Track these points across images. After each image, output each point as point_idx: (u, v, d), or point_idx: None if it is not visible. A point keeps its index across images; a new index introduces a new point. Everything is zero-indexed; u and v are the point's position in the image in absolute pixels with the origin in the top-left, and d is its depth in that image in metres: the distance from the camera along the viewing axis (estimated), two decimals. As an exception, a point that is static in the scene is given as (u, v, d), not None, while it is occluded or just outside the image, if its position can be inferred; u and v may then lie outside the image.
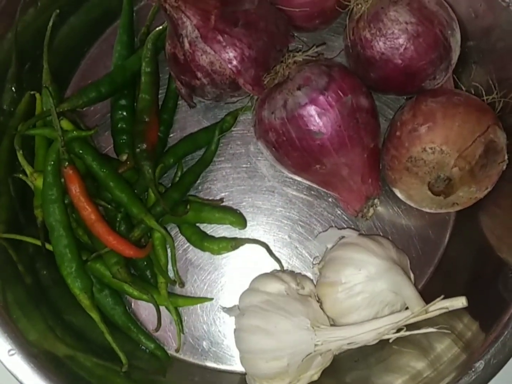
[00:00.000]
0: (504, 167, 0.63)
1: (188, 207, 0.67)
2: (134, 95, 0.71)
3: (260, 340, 0.62)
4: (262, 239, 0.71)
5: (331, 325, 0.64)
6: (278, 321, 0.62)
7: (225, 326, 0.70)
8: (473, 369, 0.58)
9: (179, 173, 0.70)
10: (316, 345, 0.61)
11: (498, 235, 0.68)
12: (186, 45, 0.63)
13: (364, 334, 0.60)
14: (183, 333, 0.69)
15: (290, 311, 0.62)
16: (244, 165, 0.73)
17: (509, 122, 0.65)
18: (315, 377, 0.64)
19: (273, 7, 0.65)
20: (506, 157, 0.63)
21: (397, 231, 0.71)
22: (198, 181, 0.71)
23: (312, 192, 0.72)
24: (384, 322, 0.60)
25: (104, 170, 0.65)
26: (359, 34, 0.64)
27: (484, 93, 0.65)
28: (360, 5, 0.64)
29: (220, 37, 0.62)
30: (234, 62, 0.63)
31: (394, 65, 0.63)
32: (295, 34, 0.69)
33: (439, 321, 0.61)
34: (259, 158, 0.73)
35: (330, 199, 0.72)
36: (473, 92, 0.66)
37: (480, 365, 0.58)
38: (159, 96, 0.71)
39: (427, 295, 0.61)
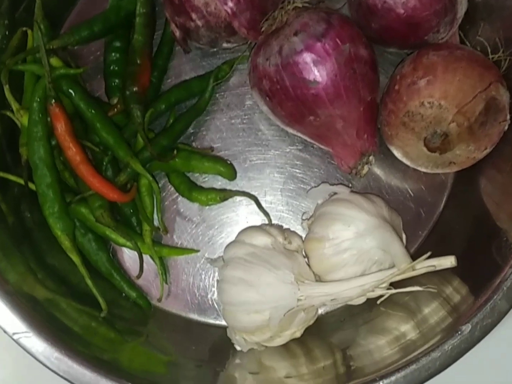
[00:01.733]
0: (506, 127, 0.61)
1: (175, 152, 0.65)
2: (129, 38, 0.69)
3: (242, 291, 0.60)
4: (252, 193, 0.69)
5: (317, 281, 0.62)
6: (262, 273, 0.60)
7: (210, 280, 0.69)
8: (459, 332, 0.56)
9: (170, 120, 0.68)
10: (299, 299, 0.59)
11: (496, 200, 0.65)
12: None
13: (348, 290, 0.58)
14: (166, 283, 0.67)
15: (274, 264, 0.60)
16: (238, 116, 0.70)
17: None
18: (297, 334, 0.63)
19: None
20: (508, 116, 0.60)
21: (392, 192, 0.69)
22: (190, 130, 0.69)
23: (307, 148, 0.70)
24: (369, 279, 0.58)
25: (92, 111, 0.63)
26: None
27: (490, 50, 0.62)
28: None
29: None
30: (230, 3, 0.60)
31: (396, 15, 0.60)
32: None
33: (428, 283, 0.60)
34: (254, 110, 0.70)
35: (325, 155, 0.69)
36: (479, 49, 0.64)
37: (466, 328, 0.56)
38: (155, 41, 0.69)
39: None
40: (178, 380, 0.62)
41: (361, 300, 0.61)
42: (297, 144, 0.70)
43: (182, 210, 0.70)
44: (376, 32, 0.63)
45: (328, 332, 0.67)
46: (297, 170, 0.70)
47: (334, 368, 0.62)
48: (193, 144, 0.70)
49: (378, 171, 0.69)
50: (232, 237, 0.67)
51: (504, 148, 0.63)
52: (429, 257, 0.57)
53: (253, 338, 0.62)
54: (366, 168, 0.65)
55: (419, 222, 0.69)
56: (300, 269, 0.61)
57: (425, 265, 0.56)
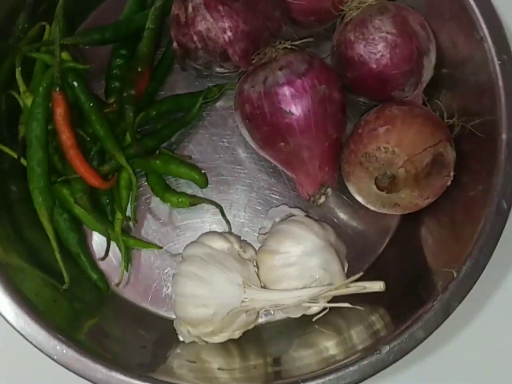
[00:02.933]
0: (449, 183, 0.69)
1: (157, 152, 0.72)
2: (135, 48, 0.76)
3: (194, 285, 0.67)
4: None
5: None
6: (214, 272, 0.67)
7: (167, 276, 0.75)
8: (377, 352, 0.62)
9: (158, 126, 0.76)
10: (243, 301, 0.66)
11: (432, 249, 0.73)
12: (190, 9, 0.70)
13: (287, 298, 0.65)
14: (126, 271, 0.73)
15: (227, 266, 0.67)
16: (219, 135, 0.78)
17: (463, 147, 0.71)
18: (236, 335, 0.69)
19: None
20: (451, 173, 0.69)
21: (342, 225, 0.77)
22: (174, 139, 0.77)
23: (275, 173, 0.77)
24: (306, 292, 0.65)
25: (90, 104, 0.70)
26: (344, 35, 0.70)
27: (445, 115, 0.71)
28: (351, 11, 0.71)
29: (220, 7, 0.68)
30: (228, 33, 0.69)
31: (369, 69, 0.69)
32: (289, 27, 0.75)
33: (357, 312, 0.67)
34: (235, 132, 0.78)
35: (289, 183, 0.77)
36: (437, 112, 0.72)
37: (384, 349, 0.63)
38: (158, 55, 0.78)
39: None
40: (120, 353, 0.67)
41: (298, 313, 0.68)
42: (266, 168, 0.78)
43: (153, 208, 0.76)
44: (350, 81, 0.71)
45: (264, 340, 0.73)
46: (263, 192, 0.77)
47: (263, 368, 0.68)
48: (175, 151, 0.77)
49: (333, 203, 0.77)
50: (193, 240, 0.73)
51: (445, 202, 0.71)
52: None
53: (196, 331, 0.67)
54: (323, 198, 0.72)
55: (361, 256, 0.76)
56: (249, 275, 0.68)
57: (357, 284, 0.63)
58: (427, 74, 0.71)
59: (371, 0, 0.70)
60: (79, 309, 0.71)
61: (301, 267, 0.67)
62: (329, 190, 0.72)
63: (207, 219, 0.76)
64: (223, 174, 0.78)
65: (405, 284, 0.72)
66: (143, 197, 0.77)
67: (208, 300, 0.66)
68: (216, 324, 0.67)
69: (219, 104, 0.79)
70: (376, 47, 0.68)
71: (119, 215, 0.72)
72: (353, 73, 0.71)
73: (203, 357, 0.69)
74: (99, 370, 0.61)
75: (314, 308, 0.68)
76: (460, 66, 0.73)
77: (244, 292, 0.66)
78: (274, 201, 0.77)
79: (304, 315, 0.70)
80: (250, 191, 0.77)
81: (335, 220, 0.77)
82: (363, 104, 0.78)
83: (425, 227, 0.75)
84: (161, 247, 0.75)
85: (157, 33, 0.75)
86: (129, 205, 0.73)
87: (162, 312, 0.75)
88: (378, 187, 0.67)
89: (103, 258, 0.71)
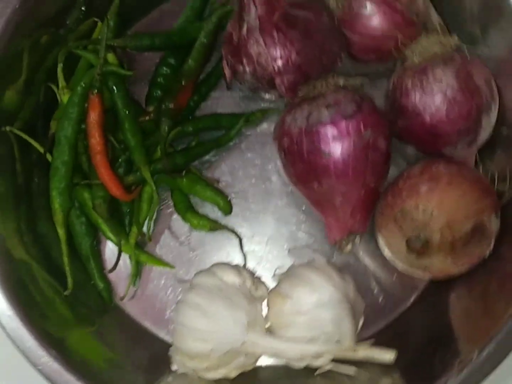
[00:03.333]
0: (487, 254, 0.64)
1: (184, 173, 0.69)
2: (183, 59, 0.73)
3: (196, 317, 0.63)
4: (241, 233, 0.72)
5: (267, 332, 0.65)
6: (220, 307, 0.63)
7: (173, 298, 0.72)
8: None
9: (192, 143, 0.73)
10: (244, 343, 0.62)
11: (459, 318, 0.68)
12: (244, 30, 0.67)
13: (290, 351, 0.61)
14: (133, 286, 0.71)
15: (234, 303, 0.64)
16: (254, 161, 0.74)
17: (509, 215, 0.66)
18: (231, 375, 0.65)
19: (335, 27, 0.68)
20: (491, 245, 0.63)
21: (366, 277, 0.72)
22: (206, 157, 0.74)
23: (306, 211, 0.73)
24: (312, 348, 0.61)
25: (126, 112, 0.68)
26: (402, 80, 0.66)
27: (497, 180, 0.66)
28: (414, 56, 0.66)
29: (275, 34, 0.65)
30: (279, 62, 0.65)
31: (421, 121, 0.64)
32: (346, 60, 0.71)
33: (369, 369, 0.62)
34: (270, 160, 0.74)
35: (319, 223, 0.72)
36: (488, 174, 0.67)
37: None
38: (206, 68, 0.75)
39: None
40: (113, 377, 0.65)
41: (300, 365, 0.64)
42: (299, 204, 0.73)
43: (172, 226, 0.73)
44: (400, 129, 0.67)
45: (260, 383, 0.69)
46: (290, 228, 0.73)
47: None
48: (204, 171, 0.74)
49: (360, 253, 0.72)
50: (207, 266, 0.70)
51: (479, 272, 0.66)
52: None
53: (191, 363, 0.64)
54: (349, 246, 0.68)
55: (381, 312, 0.71)
56: (255, 316, 0.64)
57: (365, 351, 0.59)
58: (484, 133, 0.66)
59: (437, 47, 0.65)
60: (78, 314, 0.69)
61: (312, 317, 0.63)
62: (357, 239, 0.68)
63: (226, 247, 0.73)
64: (251, 202, 0.74)
65: (424, 351, 0.67)
66: (165, 211, 0.74)
67: (207, 334, 0.62)
68: (212, 361, 0.63)
69: (259, 128, 0.75)
70: (432, 99, 0.63)
71: (135, 229, 0.69)
72: (404, 122, 0.66)
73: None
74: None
75: (319, 361, 0.64)
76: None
77: (247, 333, 0.62)
78: (300, 240, 0.73)
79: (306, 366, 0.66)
80: (277, 225, 0.73)
81: (359, 269, 0.72)
82: (410, 153, 0.73)
83: (455, 294, 0.70)
84: (173, 267, 0.72)
85: (208, 48, 0.72)
86: (146, 221, 0.70)
87: (162, 334, 0.72)
88: (408, 248, 0.62)
89: (111, 270, 0.68)
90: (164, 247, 0.73)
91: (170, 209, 0.73)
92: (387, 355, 0.59)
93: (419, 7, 0.67)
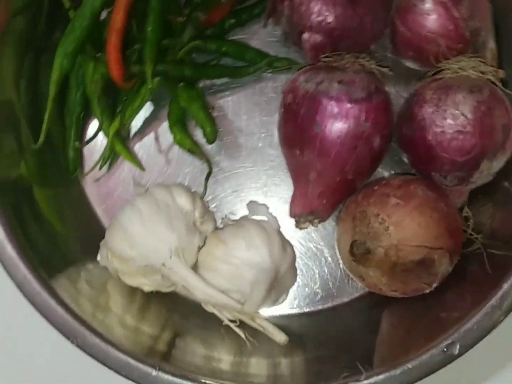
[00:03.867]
0: (425, 291, 0.62)
1: (182, 83, 0.69)
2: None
3: (133, 222, 0.64)
4: (216, 179, 0.72)
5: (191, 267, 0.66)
6: (158, 224, 0.64)
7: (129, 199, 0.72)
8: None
9: (209, 63, 0.72)
10: (163, 265, 0.63)
11: (382, 335, 0.67)
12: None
13: (200, 290, 0.62)
14: (99, 169, 0.71)
15: (173, 225, 0.64)
16: (262, 106, 0.72)
17: (467, 266, 0.64)
18: (146, 288, 0.67)
19: (387, 8, 0.65)
20: (433, 285, 0.62)
21: (313, 260, 0.71)
22: (216, 83, 0.73)
23: (285, 175, 0.71)
24: (219, 296, 0.62)
25: (158, 3, 0.67)
26: (423, 89, 0.62)
27: (471, 228, 0.63)
28: (448, 70, 0.62)
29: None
30: (314, 17, 0.63)
31: (423, 136, 0.61)
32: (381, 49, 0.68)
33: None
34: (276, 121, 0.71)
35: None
36: (465, 218, 0.64)
37: None
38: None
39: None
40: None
41: (206, 308, 0.65)
42: (283, 168, 0.71)
43: (159, 133, 0.73)
44: (402, 136, 0.64)
45: (176, 314, 0.70)
46: (266, 183, 0.72)
47: (153, 339, 0.66)
48: (208, 95, 0.72)
49: (315, 236, 0.71)
50: (170, 183, 0.70)
51: (416, 303, 0.65)
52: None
53: (113, 261, 0.66)
54: (306, 224, 0.67)
55: (312, 299, 0.71)
56: (187, 247, 0.64)
57: (261, 322, 0.59)
58: (480, 178, 0.63)
59: (474, 73, 0.62)
60: (42, 173, 0.70)
61: (235, 271, 0.63)
62: (316, 221, 0.67)
63: (196, 175, 0.72)
64: (242, 145, 0.73)
65: (334, 350, 0.67)
66: (159, 117, 0.73)
67: (135, 243, 0.63)
68: (130, 268, 0.65)
69: (279, 76, 0.73)
70: (442, 121, 0.60)
71: (119, 117, 0.69)
72: (408, 130, 0.63)
73: (107, 287, 0.67)
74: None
75: (222, 313, 0.64)
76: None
77: (170, 258, 0.63)
78: (267, 199, 0.72)
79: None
80: (253, 177, 0.72)
81: (307, 250, 0.71)
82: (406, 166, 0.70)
83: (388, 311, 0.69)
84: (143, 169, 0.72)
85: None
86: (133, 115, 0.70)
87: (106, 224, 0.73)
88: (350, 250, 0.61)
89: (84, 144, 0.70)
90: (142, 148, 0.73)
91: (163, 120, 0.73)
92: (279, 336, 0.59)
93: (476, 26, 0.63)
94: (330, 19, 0.62)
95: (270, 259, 0.64)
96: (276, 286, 0.65)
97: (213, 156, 0.73)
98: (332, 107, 0.61)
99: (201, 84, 0.73)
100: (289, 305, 0.71)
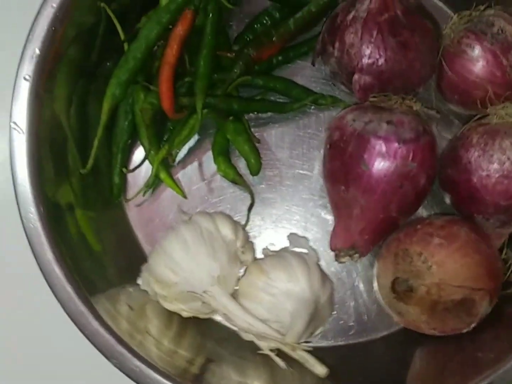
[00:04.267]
0: (463, 331, 0.63)
1: (231, 117, 0.70)
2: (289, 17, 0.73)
3: (177, 248, 0.66)
4: (256, 210, 0.73)
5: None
6: (201, 252, 0.65)
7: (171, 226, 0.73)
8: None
9: (256, 97, 0.74)
10: (205, 291, 0.64)
11: (413, 373, 0.68)
12: (350, 16, 0.66)
13: (241, 318, 0.63)
14: (143, 195, 0.73)
15: (216, 254, 0.66)
16: (305, 141, 0.74)
17: (505, 309, 0.64)
18: (184, 314, 0.68)
19: (435, 52, 0.67)
20: (471, 325, 0.62)
21: (350, 295, 0.72)
22: (261, 116, 0.74)
23: (327, 208, 0.73)
24: (260, 325, 0.63)
25: (211, 39, 0.68)
26: (470, 133, 0.64)
27: (510, 269, 0.64)
28: (495, 116, 0.64)
29: (375, 33, 0.64)
30: (365, 60, 0.65)
31: (467, 179, 0.63)
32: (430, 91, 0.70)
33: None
34: (321, 147, 0.73)
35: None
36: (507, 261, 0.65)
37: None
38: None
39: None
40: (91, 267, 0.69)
41: (245, 337, 0.66)
42: (324, 201, 0.73)
43: (204, 163, 0.75)
44: (446, 177, 0.66)
45: (211, 339, 0.71)
46: (303, 217, 0.74)
47: (187, 362, 0.66)
48: (254, 128, 0.74)
49: (352, 270, 0.72)
50: (213, 211, 0.72)
51: (450, 343, 0.65)
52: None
53: (154, 285, 0.67)
54: (346, 258, 0.68)
55: (346, 331, 0.72)
56: (229, 275, 0.66)
57: (301, 354, 0.60)
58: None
59: (522, 118, 0.63)
60: (85, 195, 0.72)
61: (276, 302, 0.64)
62: (356, 256, 0.68)
63: (238, 205, 0.74)
64: (284, 176, 0.74)
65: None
66: (204, 148, 0.75)
67: (179, 269, 0.65)
68: (172, 293, 0.66)
69: (324, 114, 0.75)
70: (488, 165, 0.62)
71: (166, 146, 0.71)
72: (453, 173, 0.65)
73: (145, 311, 0.68)
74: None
75: (261, 342, 0.65)
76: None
77: (211, 285, 0.64)
78: (307, 232, 0.73)
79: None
80: (295, 209, 0.74)
81: (346, 284, 0.72)
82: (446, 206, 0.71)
83: (422, 348, 0.70)
84: (185, 197, 0.74)
85: (313, 17, 0.72)
86: (180, 145, 0.72)
87: (147, 250, 0.74)
88: (392, 287, 0.62)
89: (130, 171, 0.72)
90: (186, 176, 0.75)
91: (207, 151, 0.75)
92: (320, 368, 0.60)
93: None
94: (380, 62, 0.64)
95: (310, 290, 0.65)
96: (315, 318, 0.65)
97: (254, 186, 0.74)
98: (381, 146, 0.63)
99: (246, 116, 0.75)
100: (324, 337, 0.71)
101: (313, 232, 0.73)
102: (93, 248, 0.71)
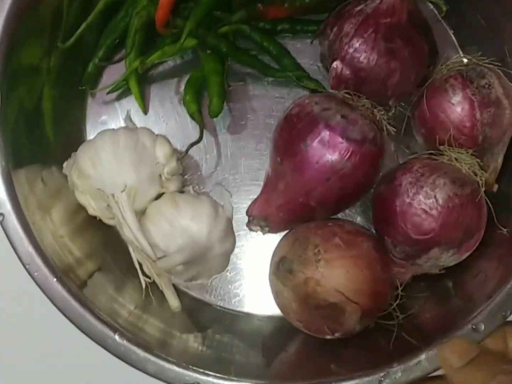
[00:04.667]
0: (327, 336, 0.63)
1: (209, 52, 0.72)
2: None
3: (107, 146, 0.67)
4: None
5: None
6: (128, 157, 0.67)
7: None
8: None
9: (250, 52, 0.75)
10: (112, 194, 0.66)
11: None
12: (358, 8, 0.67)
13: (129, 230, 0.65)
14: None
15: (140, 167, 0.67)
16: (277, 108, 0.76)
17: (377, 337, 0.65)
18: (90, 210, 0.69)
19: (421, 73, 0.68)
20: (336, 334, 0.63)
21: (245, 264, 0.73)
22: (243, 71, 0.76)
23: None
24: (143, 241, 0.65)
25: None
26: (414, 161, 0.64)
27: (396, 303, 0.64)
28: (446, 156, 0.64)
29: (370, 30, 0.65)
30: (350, 51, 0.65)
31: (391, 199, 0.63)
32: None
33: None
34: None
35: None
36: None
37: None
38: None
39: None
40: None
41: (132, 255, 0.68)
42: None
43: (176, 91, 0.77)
44: (375, 193, 0.67)
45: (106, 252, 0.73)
46: (242, 176, 0.75)
47: (76, 263, 0.68)
48: (230, 76, 0.75)
49: (261, 241, 0.73)
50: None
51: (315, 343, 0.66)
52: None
53: (74, 173, 0.68)
54: (256, 228, 0.69)
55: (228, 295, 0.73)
56: (141, 191, 0.67)
57: (165, 281, 0.62)
58: (426, 265, 0.64)
59: (467, 171, 0.63)
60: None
61: (171, 233, 0.66)
62: (267, 229, 0.69)
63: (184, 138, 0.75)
64: (251, 130, 0.76)
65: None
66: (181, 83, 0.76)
67: (99, 165, 0.66)
68: (84, 185, 0.67)
69: (302, 92, 0.75)
70: (415, 194, 0.61)
71: (143, 57, 0.72)
72: (383, 188, 0.65)
73: (57, 193, 0.70)
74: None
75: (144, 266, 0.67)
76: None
77: (121, 192, 0.65)
78: (239, 188, 0.74)
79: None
80: (240, 163, 0.75)
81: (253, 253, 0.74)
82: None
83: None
84: (145, 112, 0.76)
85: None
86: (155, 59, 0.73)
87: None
88: (275, 263, 0.63)
89: (104, 63, 0.75)
90: (154, 96, 0.77)
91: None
92: (173, 301, 0.61)
93: (492, 135, 0.65)
94: (363, 59, 0.65)
95: (206, 236, 0.66)
96: (200, 264, 0.66)
97: (217, 135, 0.76)
98: (325, 134, 0.63)
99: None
100: (206, 291, 0.73)
101: (244, 193, 0.74)
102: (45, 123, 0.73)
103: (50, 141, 0.73)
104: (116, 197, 0.65)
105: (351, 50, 0.65)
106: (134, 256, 0.66)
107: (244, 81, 0.76)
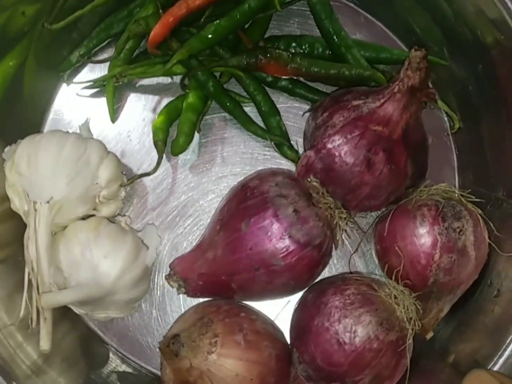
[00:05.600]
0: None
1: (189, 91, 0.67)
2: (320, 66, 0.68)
3: (50, 149, 0.62)
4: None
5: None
6: (66, 168, 0.62)
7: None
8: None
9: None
10: (34, 202, 0.61)
11: None
12: (355, 101, 0.61)
13: (34, 247, 0.60)
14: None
15: (75, 183, 0.62)
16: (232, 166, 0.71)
17: None
18: (12, 205, 0.64)
19: (387, 201, 0.63)
20: None
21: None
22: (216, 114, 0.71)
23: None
24: (43, 262, 0.60)
25: (238, 15, 0.65)
26: (349, 286, 0.59)
27: None
28: (383, 293, 0.59)
29: (356, 133, 0.59)
30: (327, 145, 0.60)
31: (311, 315, 0.58)
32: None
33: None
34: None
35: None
36: None
37: None
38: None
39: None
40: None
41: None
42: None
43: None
44: (303, 297, 0.61)
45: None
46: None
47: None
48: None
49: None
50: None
51: None
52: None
53: (9, 163, 0.63)
54: (174, 284, 0.64)
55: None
56: (67, 208, 0.62)
57: (46, 319, 0.57)
58: None
59: (404, 306, 0.58)
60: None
61: (79, 263, 0.61)
62: (183, 290, 0.63)
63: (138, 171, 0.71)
64: (216, 174, 0.71)
65: None
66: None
67: (33, 166, 0.61)
68: (13, 179, 0.62)
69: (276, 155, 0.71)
70: (335, 321, 0.57)
71: (126, 66, 0.68)
72: (310, 297, 0.61)
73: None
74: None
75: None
76: None
77: (43, 203, 0.60)
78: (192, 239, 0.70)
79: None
80: (207, 206, 0.70)
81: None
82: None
83: None
84: (113, 120, 0.71)
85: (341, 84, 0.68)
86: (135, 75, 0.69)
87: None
88: (169, 338, 0.57)
89: (85, 60, 0.70)
90: (126, 112, 0.72)
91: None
92: (44, 342, 0.57)
93: (442, 285, 0.60)
94: (337, 159, 0.59)
95: (112, 281, 0.61)
96: (96, 306, 0.62)
97: (180, 168, 0.71)
98: (270, 223, 0.58)
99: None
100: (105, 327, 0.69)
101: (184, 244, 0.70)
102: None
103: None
104: (37, 206, 0.61)
105: (329, 145, 0.60)
106: (26, 275, 0.61)
107: (223, 118, 0.72)
